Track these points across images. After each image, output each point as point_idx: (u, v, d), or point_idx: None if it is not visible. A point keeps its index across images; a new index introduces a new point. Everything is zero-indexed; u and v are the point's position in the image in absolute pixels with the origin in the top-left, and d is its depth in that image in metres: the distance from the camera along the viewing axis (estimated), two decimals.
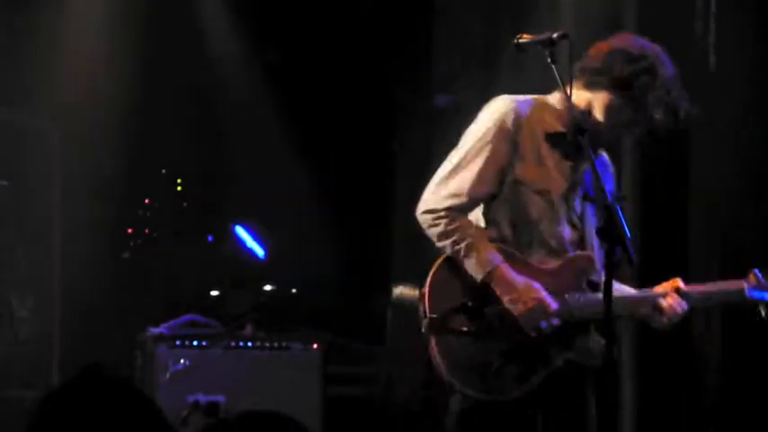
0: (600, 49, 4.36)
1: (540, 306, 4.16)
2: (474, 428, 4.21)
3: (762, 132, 6.25)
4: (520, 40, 4.19)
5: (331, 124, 8.13)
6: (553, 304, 4.17)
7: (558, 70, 4.09)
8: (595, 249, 4.29)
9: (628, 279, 4.37)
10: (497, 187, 4.25)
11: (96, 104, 8.12)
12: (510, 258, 4.21)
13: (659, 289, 4.35)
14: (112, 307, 8.16)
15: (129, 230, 8.44)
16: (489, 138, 4.24)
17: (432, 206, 4.24)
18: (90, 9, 8.17)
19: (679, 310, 4.29)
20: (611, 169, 4.54)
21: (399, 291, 7.42)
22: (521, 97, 4.34)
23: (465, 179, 4.23)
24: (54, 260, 7.89)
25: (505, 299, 4.17)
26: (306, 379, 7.04)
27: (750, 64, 6.24)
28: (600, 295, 4.02)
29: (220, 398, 6.77)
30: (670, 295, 4.31)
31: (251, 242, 8.30)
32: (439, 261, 4.23)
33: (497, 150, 4.23)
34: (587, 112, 4.30)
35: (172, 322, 7.20)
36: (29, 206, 7.77)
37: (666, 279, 4.36)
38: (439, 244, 4.23)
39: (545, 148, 4.28)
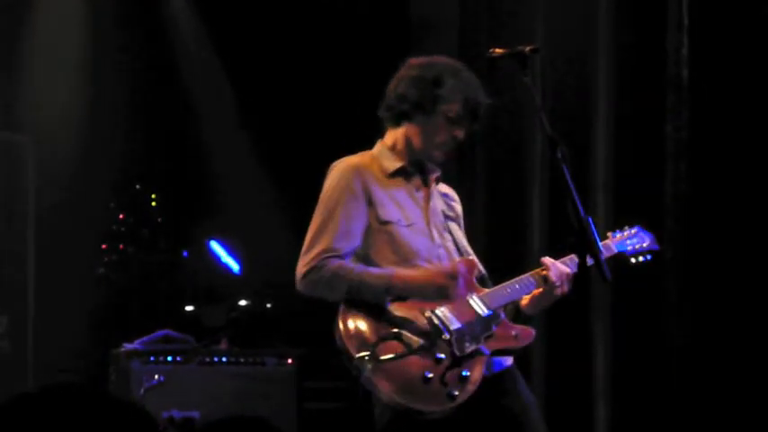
0: (392, 84, 4.60)
1: (442, 278, 4.36)
2: None
3: (736, 143, 6.28)
4: (492, 54, 4.24)
5: (309, 138, 8.11)
6: (453, 267, 4.40)
7: (528, 84, 4.15)
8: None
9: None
10: (366, 239, 4.45)
11: (71, 120, 8.11)
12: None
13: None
14: (87, 323, 8.13)
15: (104, 246, 8.41)
16: (339, 197, 4.46)
17: (303, 269, 4.40)
18: (64, 21, 8.16)
19: (569, 270, 4.42)
20: (454, 196, 4.75)
21: None
22: (355, 156, 4.59)
23: (329, 237, 4.41)
24: (28, 276, 7.85)
25: (415, 288, 4.36)
26: (281, 394, 7.03)
27: (724, 77, 6.27)
28: (491, 289, 4.41)
29: (195, 413, 6.75)
30: (552, 265, 4.44)
31: (226, 257, 8.28)
32: (339, 318, 4.32)
33: (352, 206, 4.45)
34: (409, 143, 4.55)
35: (146, 338, 7.18)
36: (1, 222, 7.74)
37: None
38: (329, 294, 4.38)
39: (394, 188, 4.52)
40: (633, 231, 4.72)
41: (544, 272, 4.45)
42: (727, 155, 6.26)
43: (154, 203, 8.55)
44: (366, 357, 4.19)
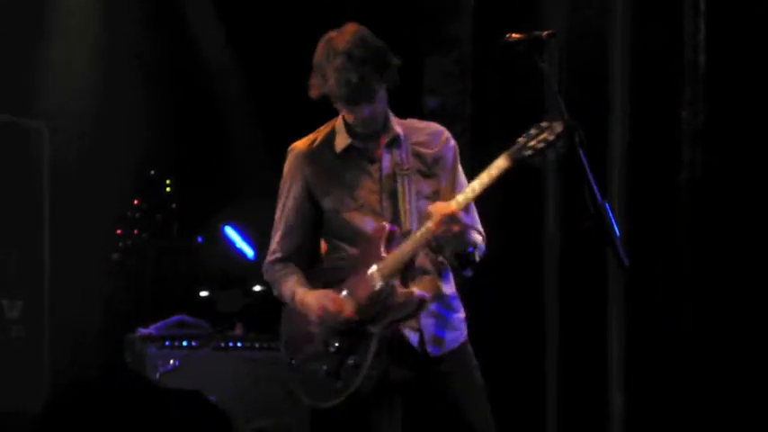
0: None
1: (327, 311, 4.46)
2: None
3: (752, 130, 6.26)
4: (509, 40, 4.22)
5: (322, 124, 8.11)
6: (330, 307, 4.46)
7: (545, 69, 4.13)
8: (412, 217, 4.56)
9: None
10: (310, 229, 4.64)
11: (86, 106, 8.12)
12: (336, 270, 4.58)
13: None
14: (102, 308, 8.15)
15: (119, 232, 8.42)
16: (284, 192, 4.67)
17: (263, 267, 4.74)
18: (80, 8, 8.16)
19: (446, 214, 4.34)
20: (435, 139, 4.67)
21: None
22: (306, 138, 4.73)
23: (275, 236, 4.68)
24: (43, 262, 7.87)
25: (305, 316, 4.54)
26: None
27: (741, 63, 6.25)
28: (397, 247, 4.41)
29: (210, 398, 6.76)
30: (433, 207, 4.39)
31: (240, 243, 8.29)
32: (282, 317, 4.70)
33: (293, 202, 4.64)
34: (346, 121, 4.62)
35: (161, 323, 7.20)
36: (18, 208, 7.76)
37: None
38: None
39: (344, 166, 4.59)
40: (543, 126, 4.37)
41: (428, 222, 4.40)
42: (743, 141, 6.24)
43: (168, 189, 8.56)
44: (291, 361, 4.57)
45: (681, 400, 6.36)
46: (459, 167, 4.68)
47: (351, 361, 4.42)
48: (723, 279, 6.26)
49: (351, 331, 4.45)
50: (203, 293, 8.25)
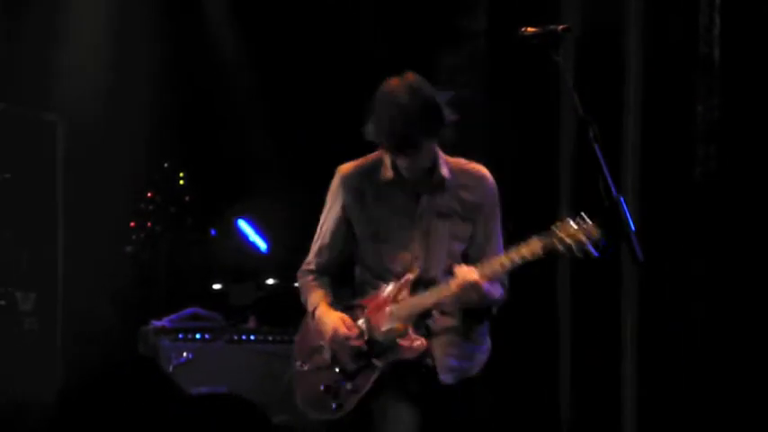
0: None
1: (338, 335, 4.66)
2: None
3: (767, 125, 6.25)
4: (524, 33, 4.22)
5: (333, 118, 8.10)
6: (342, 331, 4.66)
7: (560, 63, 4.13)
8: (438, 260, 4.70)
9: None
10: (343, 248, 4.85)
11: (100, 98, 8.13)
12: (365, 290, 4.79)
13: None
14: (115, 300, 8.16)
15: (132, 224, 8.42)
16: (326, 210, 4.86)
17: (299, 272, 4.95)
18: (93, 2, 8.17)
19: (468, 282, 4.49)
20: (479, 187, 4.78)
21: None
22: (353, 162, 4.83)
23: (312, 250, 4.91)
24: (57, 255, 7.89)
25: (320, 331, 4.73)
26: None
27: (755, 56, 6.23)
28: (413, 298, 4.61)
29: (223, 391, 6.77)
30: (458, 271, 4.53)
31: (253, 236, 8.30)
32: (306, 316, 4.91)
33: (331, 222, 4.83)
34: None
35: (174, 315, 7.21)
36: (32, 201, 7.77)
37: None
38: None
39: (384, 197, 4.72)
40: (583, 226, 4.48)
41: (451, 280, 4.56)
42: (757, 136, 6.22)
43: (182, 182, 8.56)
44: (298, 367, 4.83)
45: (693, 395, 6.35)
46: (498, 215, 4.81)
47: (350, 386, 4.66)
48: (737, 274, 6.25)
49: (357, 358, 4.65)
50: (216, 286, 8.26)
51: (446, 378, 4.66)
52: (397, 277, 4.67)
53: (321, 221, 4.87)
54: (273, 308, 7.62)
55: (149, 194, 8.43)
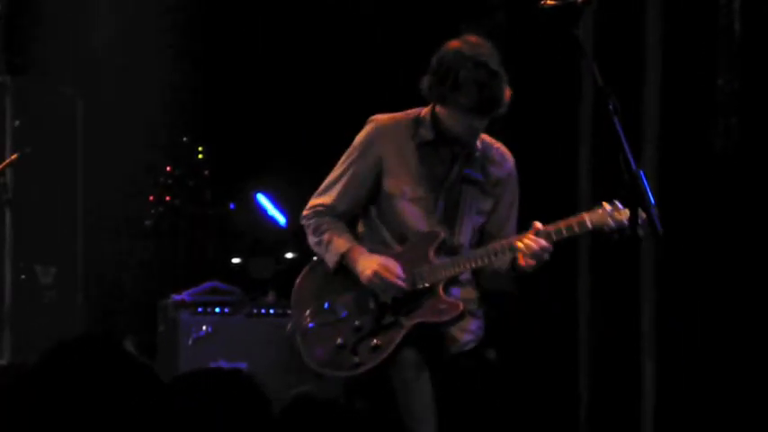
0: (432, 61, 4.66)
1: (386, 270, 4.54)
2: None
3: None
4: (544, 5, 4.19)
5: (358, 92, 8.09)
6: (397, 268, 4.55)
7: (579, 36, 4.11)
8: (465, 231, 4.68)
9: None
10: (364, 202, 4.74)
11: (120, 72, 8.13)
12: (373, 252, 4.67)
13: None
14: (135, 274, 8.19)
15: (151, 198, 8.45)
16: (354, 158, 4.73)
17: (305, 212, 4.80)
18: None
19: (536, 246, 4.49)
20: (503, 164, 4.82)
21: None
22: (391, 115, 4.76)
23: (333, 194, 4.74)
24: (77, 228, 7.91)
25: (357, 270, 4.58)
26: None
27: None
28: (446, 259, 4.57)
29: (242, 364, 6.80)
30: (525, 237, 4.52)
31: (272, 210, 8.30)
32: (301, 275, 4.83)
33: (363, 170, 4.70)
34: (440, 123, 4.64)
35: (194, 289, 7.23)
36: (52, 175, 7.79)
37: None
38: (310, 240, 4.77)
39: (417, 158, 4.68)
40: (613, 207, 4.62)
41: (517, 242, 4.52)
42: None
43: (201, 156, 8.57)
44: (298, 321, 4.69)
45: (713, 378, 6.33)
46: (517, 195, 4.85)
47: (373, 342, 4.55)
48: (759, 248, 6.22)
49: (380, 315, 4.58)
50: (236, 260, 8.28)
51: (456, 349, 4.65)
52: (419, 238, 4.63)
53: (344, 167, 4.75)
54: (292, 281, 7.62)
55: (168, 168, 8.45)
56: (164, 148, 8.58)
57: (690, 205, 6.33)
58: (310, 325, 4.68)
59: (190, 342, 6.89)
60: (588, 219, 4.56)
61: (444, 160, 4.69)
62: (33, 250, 7.64)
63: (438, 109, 4.64)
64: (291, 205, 8.33)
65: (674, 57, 6.51)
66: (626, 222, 4.49)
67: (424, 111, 4.73)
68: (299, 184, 8.23)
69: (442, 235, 4.63)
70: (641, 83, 6.58)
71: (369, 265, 4.57)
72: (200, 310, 7.01)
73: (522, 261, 4.55)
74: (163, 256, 8.39)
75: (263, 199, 8.35)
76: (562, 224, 4.54)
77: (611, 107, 4.16)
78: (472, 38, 4.60)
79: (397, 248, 4.67)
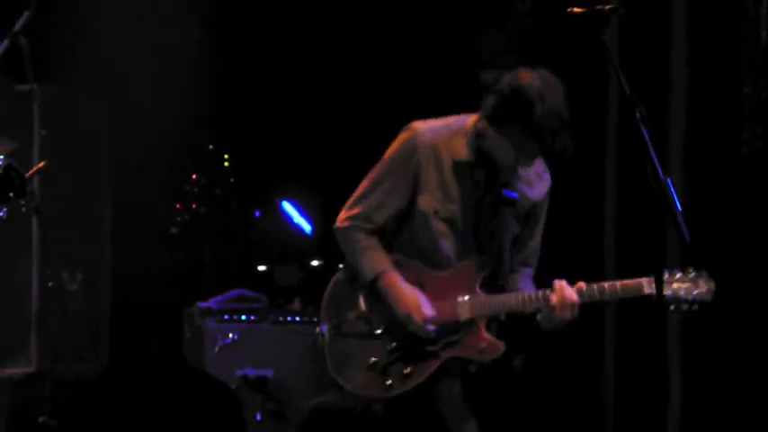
0: (498, 87, 4.55)
1: (416, 310, 4.45)
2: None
3: None
4: (570, 13, 4.20)
5: (378, 100, 8.10)
6: (428, 311, 4.46)
7: (607, 44, 4.11)
8: (506, 258, 4.63)
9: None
10: (405, 213, 4.59)
11: (145, 81, 8.15)
12: (403, 268, 4.57)
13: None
14: (161, 282, 8.21)
15: (177, 206, 8.47)
16: (393, 169, 4.61)
17: (340, 225, 4.68)
18: None
19: (573, 297, 4.43)
20: (541, 184, 4.76)
21: None
22: (431, 125, 4.62)
23: (370, 205, 4.62)
24: (103, 236, 7.94)
25: (390, 299, 4.49)
26: None
27: None
28: (489, 296, 4.48)
29: (269, 372, 6.81)
30: (559, 289, 4.45)
31: (298, 217, 8.32)
32: (336, 276, 4.71)
33: (401, 182, 4.58)
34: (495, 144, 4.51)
35: (220, 297, 7.24)
36: (78, 182, 7.82)
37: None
38: (345, 251, 4.68)
39: (452, 175, 4.57)
40: (691, 277, 4.57)
41: (550, 293, 4.47)
42: None
43: (227, 163, 8.59)
44: (330, 325, 4.56)
45: (740, 381, 6.32)
46: (543, 220, 4.79)
47: (406, 369, 4.46)
48: None
49: (417, 341, 4.47)
50: (261, 268, 8.29)
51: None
52: (466, 266, 4.54)
53: (381, 178, 4.65)
54: (318, 289, 7.62)
55: (194, 176, 8.48)
56: (189, 155, 8.61)
57: (716, 213, 6.32)
58: (341, 334, 4.59)
59: (216, 350, 6.90)
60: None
61: (479, 183, 4.60)
62: (60, 257, 7.66)
63: (490, 128, 4.52)
64: (317, 213, 8.35)
65: (701, 65, 6.50)
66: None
67: (469, 123, 4.62)
68: (324, 191, 8.30)
69: (488, 266, 4.54)
70: (667, 91, 6.58)
71: (402, 300, 4.49)
72: (226, 317, 7.02)
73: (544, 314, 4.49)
74: (189, 264, 8.41)
75: (288, 206, 8.36)
76: (606, 284, 4.50)
77: (637, 115, 4.17)
78: (548, 75, 4.55)
79: (440, 273, 4.57)
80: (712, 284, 4.54)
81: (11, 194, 4.24)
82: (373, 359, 4.49)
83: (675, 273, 4.52)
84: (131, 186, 8.07)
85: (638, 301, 6.55)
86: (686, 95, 6.56)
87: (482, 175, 4.58)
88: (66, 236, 7.72)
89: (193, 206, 8.51)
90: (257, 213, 8.64)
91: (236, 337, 6.94)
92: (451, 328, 4.48)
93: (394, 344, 4.50)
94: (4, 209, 4.29)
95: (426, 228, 4.56)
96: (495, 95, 4.50)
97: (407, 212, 4.61)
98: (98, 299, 7.86)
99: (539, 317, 4.53)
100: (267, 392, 6.71)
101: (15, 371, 7.07)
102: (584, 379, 6.86)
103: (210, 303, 7.12)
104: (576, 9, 4.18)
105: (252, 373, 6.78)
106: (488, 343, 4.48)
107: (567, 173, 6.54)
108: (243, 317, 7.05)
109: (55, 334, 7.46)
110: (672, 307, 4.51)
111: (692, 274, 4.54)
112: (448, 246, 4.56)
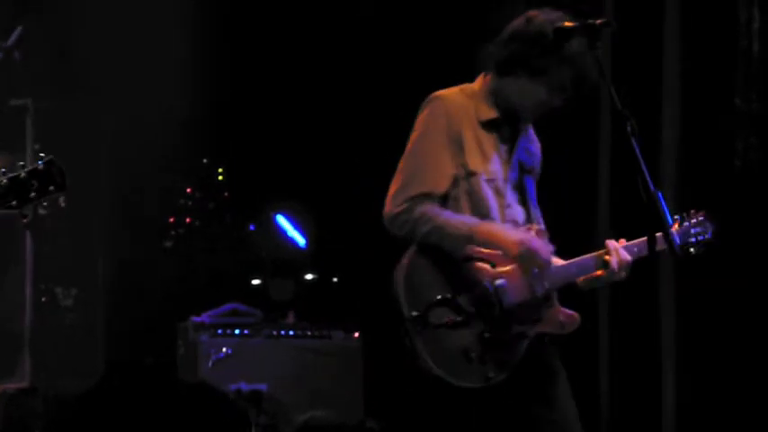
0: (505, 33, 4.44)
1: (532, 243, 4.28)
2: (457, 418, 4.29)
3: None
4: (562, 27, 4.20)
5: (375, 112, 8.10)
6: (535, 244, 4.29)
7: (599, 57, 4.11)
8: (541, 222, 4.50)
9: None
10: (452, 183, 4.35)
11: (140, 96, 8.15)
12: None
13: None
14: (155, 296, 8.21)
15: (171, 219, 8.47)
16: (434, 136, 4.36)
17: (396, 209, 4.32)
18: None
19: (628, 257, 4.38)
20: (537, 143, 4.64)
21: None
22: (453, 91, 4.46)
23: (423, 181, 4.33)
24: (97, 250, 7.93)
25: (500, 241, 4.27)
26: (347, 367, 7.06)
27: None
28: (556, 266, 4.32)
29: (262, 386, 6.80)
30: (615, 251, 4.38)
31: (292, 231, 8.32)
32: (405, 262, 4.28)
33: (446, 150, 4.35)
34: (504, 95, 4.41)
35: (214, 311, 7.24)
36: (72, 197, 7.81)
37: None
38: (413, 235, 4.30)
39: (483, 136, 4.41)
40: (700, 219, 4.62)
41: (607, 256, 4.39)
42: None
43: (221, 177, 8.60)
44: (416, 319, 4.16)
45: (732, 390, 6.32)
46: None
47: (501, 353, 4.24)
48: None
49: (506, 324, 4.27)
50: (255, 282, 8.29)
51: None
52: (499, 221, 4.36)
53: (424, 148, 4.39)
54: (312, 303, 7.64)
55: (188, 190, 8.48)
56: (184, 169, 8.60)
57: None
58: (429, 320, 4.20)
59: (210, 364, 6.90)
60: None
61: (506, 139, 4.45)
62: (54, 272, 7.66)
63: (509, 83, 4.40)
64: (311, 226, 8.35)
65: (693, 77, 6.52)
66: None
67: (477, 86, 4.50)
68: (318, 205, 8.30)
69: (536, 229, 4.37)
70: (660, 103, 6.60)
71: (509, 241, 4.27)
72: (219, 332, 7.02)
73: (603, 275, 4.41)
74: (183, 278, 8.40)
75: (282, 220, 8.36)
76: (640, 241, 4.44)
77: (628, 129, 4.18)
78: (559, 13, 4.39)
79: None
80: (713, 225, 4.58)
81: (51, 188, 4.22)
82: (467, 347, 4.22)
83: (685, 222, 4.59)
84: (125, 201, 8.06)
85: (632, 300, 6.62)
86: (679, 108, 6.58)
87: (507, 131, 4.44)
88: (59, 251, 7.72)
89: (187, 220, 8.51)
90: (251, 227, 8.64)
91: (229, 352, 6.94)
92: (531, 307, 4.30)
93: (483, 330, 4.24)
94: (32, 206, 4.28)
95: (475, 189, 4.38)
96: (499, 46, 4.42)
97: (453, 185, 4.38)
98: (92, 314, 7.85)
99: (581, 280, 4.46)
100: (261, 406, 6.70)
101: (8, 386, 7.07)
102: (578, 379, 6.88)
103: (204, 318, 7.12)
104: (567, 23, 4.18)
105: (246, 387, 6.77)
106: (566, 315, 4.37)
107: (560, 185, 6.58)
108: (236, 331, 7.05)
109: (49, 349, 7.47)
110: (692, 250, 4.55)
111: (701, 217, 4.60)
112: (493, 208, 4.39)
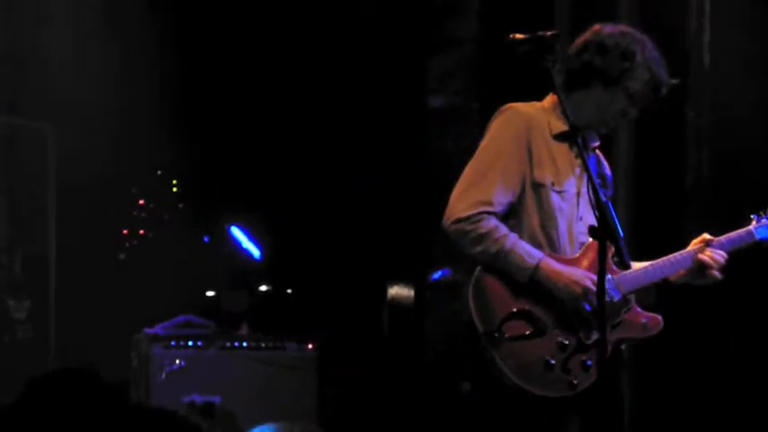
0: (576, 46, 4.52)
1: (588, 286, 4.25)
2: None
3: (758, 129, 6.26)
4: (512, 39, 4.21)
5: (327, 124, 8.11)
6: (592, 286, 4.23)
7: (551, 69, 4.13)
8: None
9: None
10: (519, 194, 4.37)
11: (91, 106, 8.12)
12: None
13: (691, 248, 4.50)
14: (108, 308, 8.16)
15: (125, 231, 8.44)
16: (505, 148, 4.37)
17: (460, 215, 4.33)
18: (82, 11, 8.16)
19: (721, 259, 4.45)
20: (607, 165, 4.69)
21: (394, 291, 7.45)
22: (524, 104, 4.49)
23: (489, 187, 4.33)
24: (49, 262, 7.89)
25: (559, 285, 4.26)
26: (301, 379, 7.05)
27: (744, 62, 6.25)
28: (633, 270, 4.31)
29: (216, 398, 6.78)
30: (706, 249, 4.45)
31: (246, 243, 8.30)
32: (473, 278, 4.31)
33: (515, 158, 4.36)
34: (578, 109, 4.41)
35: (167, 323, 7.21)
36: (24, 209, 7.77)
37: None
38: (473, 251, 4.32)
39: (555, 149, 4.43)
40: None
41: (697, 253, 4.45)
42: (748, 142, 6.23)
43: (175, 189, 8.57)
44: (494, 335, 4.19)
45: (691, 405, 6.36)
46: None
47: (582, 360, 4.25)
48: (733, 282, 6.25)
49: (585, 331, 4.27)
50: (209, 293, 8.26)
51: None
52: (568, 233, 4.38)
53: (494, 160, 4.37)
54: (266, 315, 7.62)
55: (141, 202, 8.44)
56: (137, 181, 8.57)
57: (662, 237, 6.36)
58: (506, 335, 4.22)
59: (163, 376, 6.86)
60: (753, 227, 4.56)
61: (578, 154, 4.42)
62: (5, 284, 7.61)
63: (582, 96, 4.43)
64: (265, 238, 8.33)
65: None
66: None
67: (547, 103, 4.51)
68: (273, 217, 8.29)
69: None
70: None
71: (572, 280, 4.27)
72: (173, 343, 6.99)
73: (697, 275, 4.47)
74: (136, 290, 8.36)
75: (237, 232, 8.34)
76: (731, 235, 4.53)
77: (579, 141, 4.22)
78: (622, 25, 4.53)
79: (572, 254, 4.38)
80: None
81: None
82: (548, 357, 4.24)
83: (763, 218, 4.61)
84: (78, 212, 8.02)
85: None
86: (632, 121, 6.60)
87: (578, 147, 4.36)
88: (11, 264, 7.68)
89: (141, 232, 8.48)
90: (205, 238, 8.62)
91: (183, 364, 6.91)
92: (610, 312, 4.26)
93: (562, 339, 4.26)
94: None
95: (543, 201, 4.38)
96: (569, 60, 4.47)
97: (520, 196, 4.39)
98: (44, 326, 7.81)
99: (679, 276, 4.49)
100: (214, 418, 6.67)
101: None
102: None
103: (157, 329, 7.09)
104: (517, 36, 4.19)
105: (199, 399, 6.74)
106: (647, 317, 4.38)
107: None
108: (190, 342, 7.01)
109: (2, 362, 7.42)
110: None
111: None
112: (563, 220, 4.40)
